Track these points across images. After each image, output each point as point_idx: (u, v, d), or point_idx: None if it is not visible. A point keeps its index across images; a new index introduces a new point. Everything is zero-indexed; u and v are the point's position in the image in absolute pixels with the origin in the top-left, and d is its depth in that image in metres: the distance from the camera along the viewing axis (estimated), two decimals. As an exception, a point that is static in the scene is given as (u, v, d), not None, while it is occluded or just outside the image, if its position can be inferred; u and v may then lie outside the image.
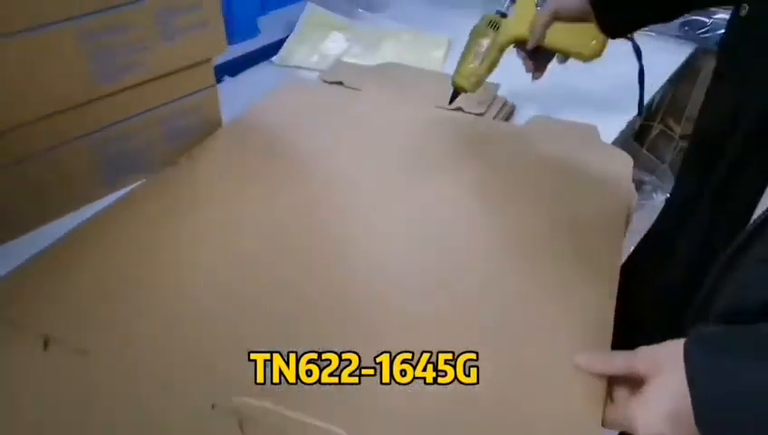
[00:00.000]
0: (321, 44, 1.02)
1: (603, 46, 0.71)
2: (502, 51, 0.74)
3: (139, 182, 0.69)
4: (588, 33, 0.69)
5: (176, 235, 0.60)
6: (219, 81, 0.92)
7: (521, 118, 0.85)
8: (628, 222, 0.69)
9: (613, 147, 0.77)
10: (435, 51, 1.02)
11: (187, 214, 0.62)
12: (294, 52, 1.00)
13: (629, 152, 1.25)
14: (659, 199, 1.43)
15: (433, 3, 1.21)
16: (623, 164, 0.73)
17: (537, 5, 0.71)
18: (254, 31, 1.04)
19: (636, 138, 1.50)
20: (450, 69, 0.77)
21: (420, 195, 0.67)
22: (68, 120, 0.60)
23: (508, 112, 0.84)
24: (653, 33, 1.09)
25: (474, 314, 0.52)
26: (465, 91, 0.76)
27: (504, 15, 0.73)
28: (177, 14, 0.63)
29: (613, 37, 0.69)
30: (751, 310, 0.39)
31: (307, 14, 1.06)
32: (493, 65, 0.75)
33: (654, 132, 1.48)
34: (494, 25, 0.73)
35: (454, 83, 0.76)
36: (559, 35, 0.71)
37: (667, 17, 0.66)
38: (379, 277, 0.56)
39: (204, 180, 0.68)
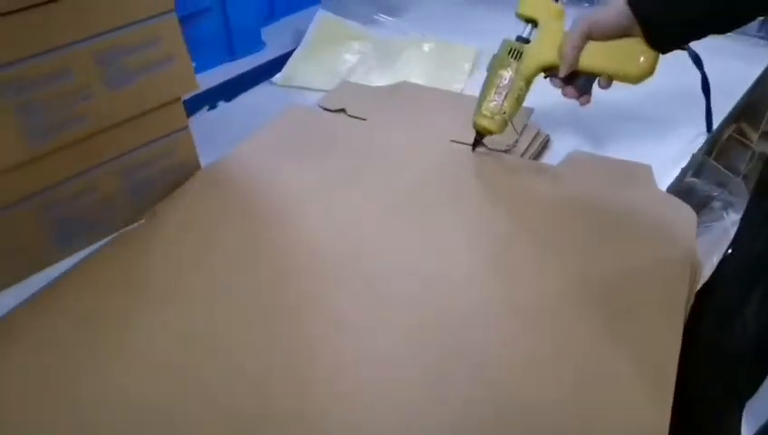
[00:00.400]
0: (332, 59, 0.90)
1: (654, 63, 0.57)
2: (528, 82, 0.61)
3: (99, 243, 0.60)
4: (632, 48, 0.56)
5: (128, 313, 0.51)
6: (213, 107, 0.83)
7: (557, 150, 0.71)
8: (689, 297, 0.55)
9: (671, 197, 0.62)
10: (461, 63, 0.88)
11: (142, 288, 0.53)
12: (300, 69, 0.88)
13: (695, 162, 1.06)
14: (731, 220, 1.24)
15: (462, 1, 1.07)
16: (684, 221, 0.58)
17: (564, 26, 0.58)
18: (257, 44, 0.93)
19: (707, 152, 1.31)
20: (478, 85, 0.65)
21: (427, 253, 0.55)
22: (3, 185, 0.51)
23: (541, 145, 0.70)
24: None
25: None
26: (491, 133, 0.64)
27: (525, 41, 0.60)
28: (126, 53, 0.53)
29: (664, 52, 0.56)
30: None
31: (317, 22, 0.94)
32: (519, 100, 0.62)
33: (723, 138, 1.29)
34: (516, 54, 0.60)
35: (475, 125, 0.64)
36: (597, 55, 0.57)
37: (726, 27, 0.53)
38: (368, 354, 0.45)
39: (166, 245, 0.58)
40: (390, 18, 1.01)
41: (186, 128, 0.63)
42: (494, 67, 0.62)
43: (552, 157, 0.70)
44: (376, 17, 1.01)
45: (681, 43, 0.57)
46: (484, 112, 0.63)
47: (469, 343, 0.47)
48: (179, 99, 0.61)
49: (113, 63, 0.53)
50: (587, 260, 0.54)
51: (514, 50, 0.61)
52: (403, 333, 0.48)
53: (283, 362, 0.46)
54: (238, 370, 0.45)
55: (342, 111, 0.75)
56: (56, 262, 0.57)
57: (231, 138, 0.72)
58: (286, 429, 0.41)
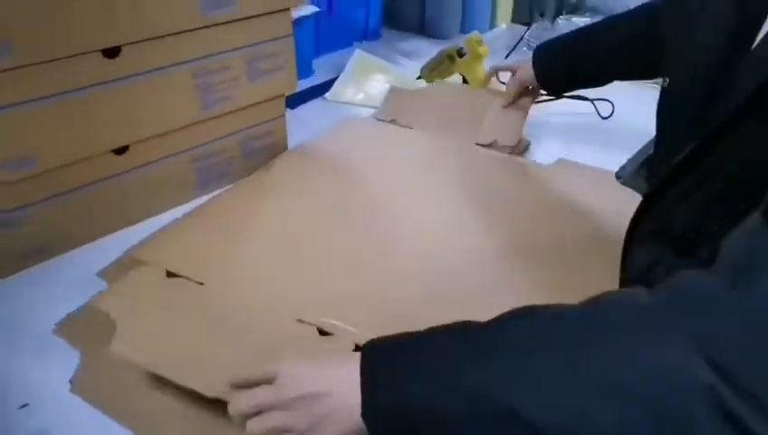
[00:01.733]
0: (366, 84, 1.20)
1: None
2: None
3: (223, 188, 0.85)
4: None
5: (266, 211, 0.77)
6: (281, 112, 1.10)
7: (538, 152, 1.00)
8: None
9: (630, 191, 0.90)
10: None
11: (271, 204, 0.80)
12: (344, 90, 1.18)
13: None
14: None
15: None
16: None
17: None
18: (309, 71, 1.23)
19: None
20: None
21: (444, 223, 0.82)
22: (179, 137, 0.77)
23: (523, 148, 1.00)
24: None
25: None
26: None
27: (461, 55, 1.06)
28: (262, 60, 0.81)
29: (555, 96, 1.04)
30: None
31: (355, 57, 1.25)
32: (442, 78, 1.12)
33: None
34: (452, 59, 1.06)
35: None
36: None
37: (599, 84, 0.94)
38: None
39: (279, 185, 0.85)
40: (408, 60, 1.32)
41: (283, 116, 0.91)
42: (441, 57, 1.09)
43: (532, 156, 1.00)
44: (395, 57, 1.33)
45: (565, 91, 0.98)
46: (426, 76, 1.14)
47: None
48: (284, 95, 0.89)
49: (254, 65, 0.81)
50: (560, 226, 0.81)
51: (451, 57, 1.07)
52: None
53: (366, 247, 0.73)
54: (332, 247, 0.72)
55: (393, 120, 1.04)
56: (198, 197, 0.83)
57: (297, 134, 0.99)
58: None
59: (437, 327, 0.41)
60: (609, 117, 1.10)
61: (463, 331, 0.40)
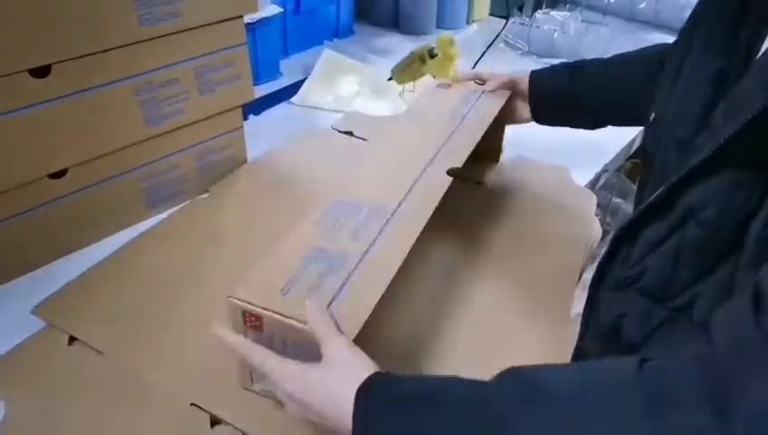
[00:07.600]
0: (336, 86, 1.15)
1: None
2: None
3: (178, 206, 0.81)
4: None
5: (198, 262, 0.71)
6: (245, 118, 1.05)
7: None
8: (590, 247, 0.80)
9: (580, 187, 0.88)
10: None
11: (211, 242, 0.75)
12: (312, 93, 1.13)
13: (621, 190, 1.36)
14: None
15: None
16: (586, 200, 0.85)
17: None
18: (276, 73, 1.18)
19: (628, 175, 1.60)
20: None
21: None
22: (124, 157, 0.73)
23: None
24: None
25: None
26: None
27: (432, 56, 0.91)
28: (213, 71, 0.76)
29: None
30: None
31: (324, 57, 1.20)
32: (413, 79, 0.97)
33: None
34: (423, 60, 0.92)
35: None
36: None
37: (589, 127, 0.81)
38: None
39: (227, 212, 0.81)
40: (378, 57, 1.27)
41: (241, 128, 0.86)
42: (411, 59, 0.94)
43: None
44: (368, 56, 1.28)
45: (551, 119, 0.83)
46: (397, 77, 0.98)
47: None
48: (240, 106, 0.84)
49: (205, 77, 0.76)
50: (520, 229, 0.79)
51: (423, 58, 0.92)
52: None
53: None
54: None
55: (350, 133, 1.00)
56: (151, 217, 0.79)
57: (261, 141, 0.95)
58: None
59: (433, 382, 0.42)
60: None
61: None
